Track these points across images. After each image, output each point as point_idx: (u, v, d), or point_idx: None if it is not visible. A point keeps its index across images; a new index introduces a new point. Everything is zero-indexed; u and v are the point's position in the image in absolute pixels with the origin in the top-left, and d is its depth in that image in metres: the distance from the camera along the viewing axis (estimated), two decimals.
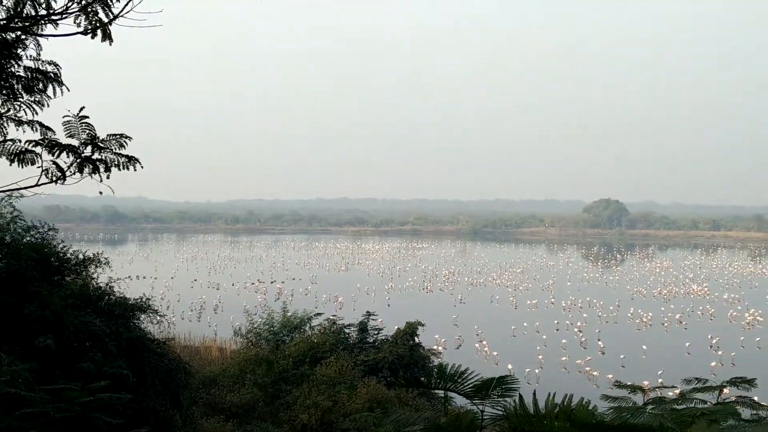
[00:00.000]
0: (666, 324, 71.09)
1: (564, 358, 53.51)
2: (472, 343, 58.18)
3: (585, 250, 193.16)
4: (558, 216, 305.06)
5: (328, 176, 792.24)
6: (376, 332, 33.63)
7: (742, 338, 63.07)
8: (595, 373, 49.21)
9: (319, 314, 36.35)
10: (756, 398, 8.76)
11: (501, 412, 5.81)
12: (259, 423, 21.21)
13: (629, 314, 75.50)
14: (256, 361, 27.29)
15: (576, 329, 66.75)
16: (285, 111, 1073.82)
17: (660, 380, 41.95)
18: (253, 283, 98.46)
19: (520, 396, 5.61)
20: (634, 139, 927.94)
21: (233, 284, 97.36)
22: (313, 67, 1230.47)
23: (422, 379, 6.64)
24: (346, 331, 32.94)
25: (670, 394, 9.13)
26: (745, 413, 7.92)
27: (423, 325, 34.13)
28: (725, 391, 10.45)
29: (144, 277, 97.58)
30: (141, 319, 19.17)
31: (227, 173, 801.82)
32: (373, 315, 34.42)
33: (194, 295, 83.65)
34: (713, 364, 51.73)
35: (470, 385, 6.09)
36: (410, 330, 32.91)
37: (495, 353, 54.38)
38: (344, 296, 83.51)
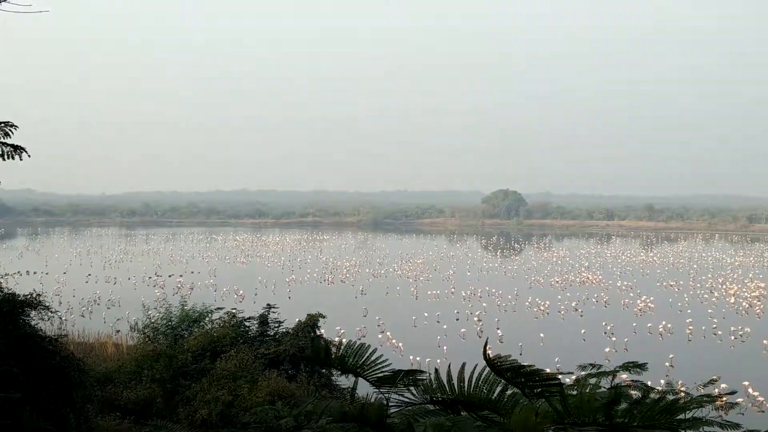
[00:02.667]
0: (563, 312, 72.78)
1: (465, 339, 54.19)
2: (375, 334, 58.31)
3: (484, 240, 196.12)
4: (457, 206, 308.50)
5: (226, 168, 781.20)
6: (276, 325, 33.23)
7: (634, 324, 65.18)
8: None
9: (219, 308, 35.73)
10: (649, 382, 8.94)
11: (408, 400, 5.79)
12: (157, 420, 20.71)
13: (527, 303, 77.01)
14: (153, 356, 26.61)
15: (476, 318, 67.75)
16: (183, 100, 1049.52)
17: (558, 366, 43.00)
18: (150, 277, 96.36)
19: (436, 370, 5.86)
20: (531, 130, 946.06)
21: (129, 278, 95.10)
22: (213, 55, 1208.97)
23: (333, 351, 6.50)
24: (247, 324, 32.45)
25: (567, 380, 9.24)
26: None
27: (324, 317, 33.95)
28: (623, 376, 10.68)
29: (34, 273, 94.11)
30: (31, 315, 18.39)
31: (123, 164, 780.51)
32: (274, 307, 34.02)
33: (88, 291, 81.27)
34: (607, 349, 53.29)
35: (379, 373, 6.05)
36: (311, 322, 32.67)
37: (400, 344, 54.66)
38: (245, 289, 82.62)
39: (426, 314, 68.64)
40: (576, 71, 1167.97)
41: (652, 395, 8.01)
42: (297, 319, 34.05)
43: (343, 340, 7.86)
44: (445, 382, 6.08)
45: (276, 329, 33.03)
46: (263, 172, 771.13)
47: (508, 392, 6.36)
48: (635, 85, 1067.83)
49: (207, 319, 34.84)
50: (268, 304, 34.31)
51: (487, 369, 6.14)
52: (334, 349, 6.51)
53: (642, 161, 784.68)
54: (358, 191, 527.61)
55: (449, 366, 6.10)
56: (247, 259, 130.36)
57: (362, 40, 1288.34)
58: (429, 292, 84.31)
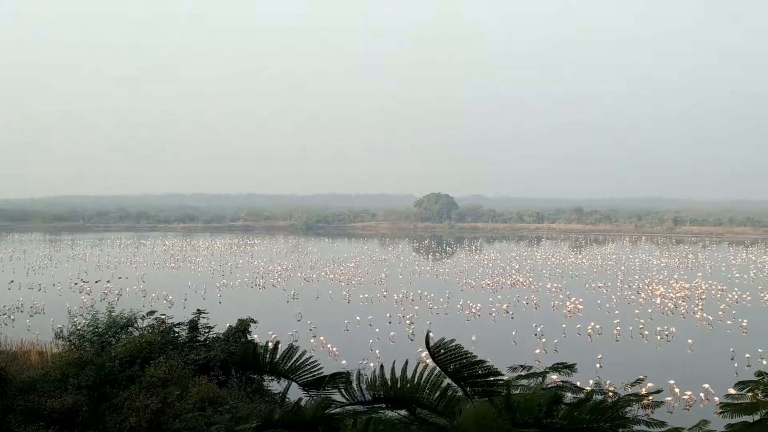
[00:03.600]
0: (494, 314, 73.38)
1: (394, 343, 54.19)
2: (307, 338, 57.94)
3: (416, 244, 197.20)
4: (390, 210, 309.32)
5: (154, 171, 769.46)
6: (207, 330, 32.78)
7: (564, 325, 66.11)
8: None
9: (151, 312, 35.02)
10: (578, 382, 8.95)
11: (346, 401, 5.74)
12: (83, 429, 20.17)
13: (459, 305, 77.46)
14: (79, 363, 25.92)
15: (408, 321, 67.84)
16: (109, 100, 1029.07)
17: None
18: (76, 283, 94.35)
19: (382, 366, 5.93)
20: (463, 133, 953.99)
21: (54, 285, 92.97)
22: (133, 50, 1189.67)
23: (260, 354, 6.34)
24: (176, 330, 31.92)
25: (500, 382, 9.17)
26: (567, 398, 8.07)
27: (256, 322, 33.63)
28: (554, 377, 10.68)
29: None
30: None
31: (48, 167, 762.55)
32: (204, 313, 33.53)
33: (11, 297, 79.26)
34: (537, 351, 53.94)
35: (310, 376, 5.96)
36: (242, 327, 32.33)
37: (335, 349, 54.35)
38: (174, 294, 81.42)
39: (358, 318, 68.47)
40: (503, 76, 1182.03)
41: (594, 398, 8.03)
42: (228, 325, 33.62)
43: (271, 344, 7.68)
44: (388, 380, 5.96)
45: (206, 335, 32.57)
46: (194, 176, 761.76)
47: (449, 393, 6.28)
48: (563, 88, 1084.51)
49: (135, 325, 34.12)
50: (198, 310, 33.82)
51: (429, 369, 6.06)
52: (261, 351, 6.35)
53: (571, 164, 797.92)
54: (291, 195, 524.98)
55: (393, 363, 5.98)
56: (177, 264, 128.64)
57: (256, 40, 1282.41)
58: (361, 296, 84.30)
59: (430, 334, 5.90)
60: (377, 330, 62.81)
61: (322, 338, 57.84)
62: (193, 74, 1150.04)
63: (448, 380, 6.58)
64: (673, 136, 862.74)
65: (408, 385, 6.05)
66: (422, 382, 6.24)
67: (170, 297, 79.65)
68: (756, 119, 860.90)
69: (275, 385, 32.11)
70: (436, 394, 6.03)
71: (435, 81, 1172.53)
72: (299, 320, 68.12)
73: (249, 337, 32.83)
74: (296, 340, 57.48)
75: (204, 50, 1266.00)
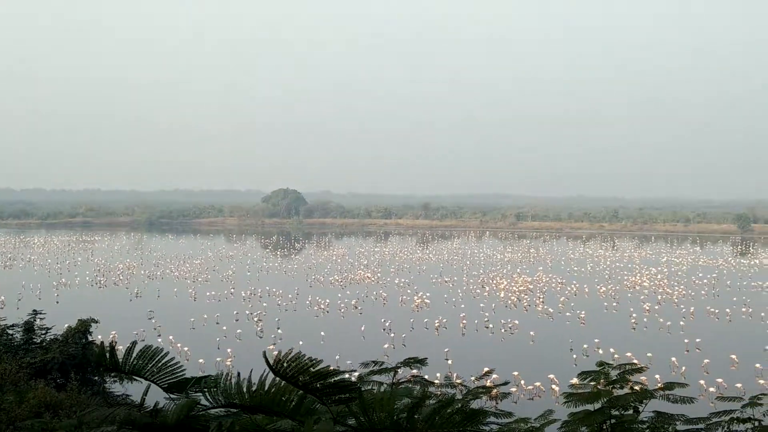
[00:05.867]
0: (342, 310, 73.63)
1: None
2: (153, 338, 56.42)
3: (264, 240, 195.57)
4: (237, 206, 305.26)
5: None
6: (43, 332, 31.29)
7: (412, 320, 67.01)
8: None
9: None
10: (426, 376, 8.91)
11: (209, 404, 5.48)
12: None
13: (308, 301, 77.33)
14: None
15: (256, 318, 67.18)
16: None
17: (337, 365, 43.23)
18: None
19: (239, 374, 5.74)
20: (310, 128, 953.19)
21: None
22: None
23: (108, 355, 5.94)
24: (10, 332, 30.32)
25: (351, 378, 9.03)
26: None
27: (97, 322, 32.39)
28: (401, 372, 10.57)
29: None
30: None
31: None
32: (41, 313, 31.98)
33: None
34: (386, 345, 54.44)
35: (172, 378, 5.65)
36: (83, 328, 31.02)
37: (186, 348, 53.04)
38: (7, 295, 77.27)
39: (205, 316, 67.31)
40: (352, 69, 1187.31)
41: (456, 401, 7.98)
42: (67, 325, 32.22)
43: (124, 345, 7.25)
44: (244, 388, 5.70)
45: (43, 336, 31.09)
46: (30, 171, 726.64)
47: (307, 401, 6.09)
48: (413, 87, 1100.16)
49: None
50: (34, 310, 32.28)
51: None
52: (106, 351, 5.94)
53: (419, 162, 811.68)
54: (134, 190, 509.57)
55: (251, 372, 5.74)
56: (10, 263, 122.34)
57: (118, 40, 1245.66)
58: (208, 293, 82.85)
59: (269, 349, 5.68)
60: (225, 328, 61.97)
61: (171, 337, 56.40)
62: (31, 67, 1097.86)
63: None
64: (514, 137, 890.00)
65: (266, 394, 5.78)
66: (279, 390, 5.99)
67: (2, 297, 75.57)
68: (594, 120, 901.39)
69: (117, 387, 31.02)
70: (293, 404, 5.79)
71: (278, 73, 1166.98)
72: (150, 318, 66.35)
73: (90, 338, 31.54)
74: (142, 340, 55.79)
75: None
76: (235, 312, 70.19)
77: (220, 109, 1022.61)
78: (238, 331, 61.13)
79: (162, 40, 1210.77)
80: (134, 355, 5.98)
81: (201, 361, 47.79)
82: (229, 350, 52.80)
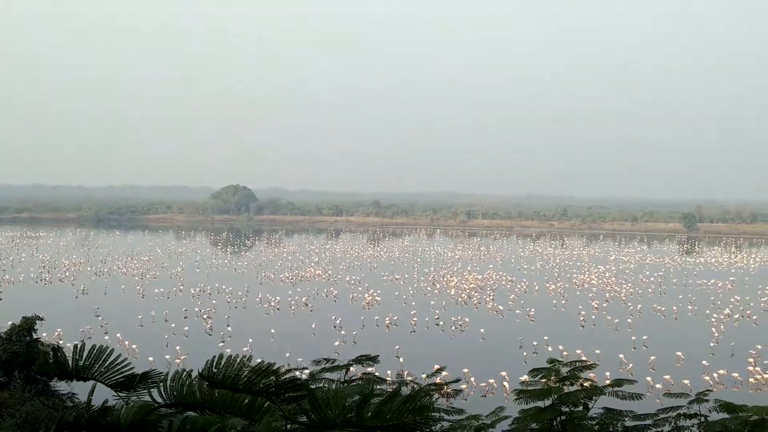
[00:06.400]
0: (293, 307, 73.27)
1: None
2: (100, 335, 55.60)
3: (214, 237, 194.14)
4: (186, 202, 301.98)
5: None
6: None
7: (362, 317, 66.98)
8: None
9: None
10: (378, 374, 8.81)
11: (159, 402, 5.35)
12: None
13: (258, 299, 76.89)
14: None
15: (205, 316, 66.63)
16: None
17: (288, 363, 42.96)
18: None
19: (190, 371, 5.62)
20: (262, 127, 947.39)
21: None
22: None
23: (51, 362, 5.72)
24: None
25: (303, 376, 8.96)
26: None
27: (42, 319, 31.77)
28: (353, 369, 10.49)
29: None
30: None
31: None
32: None
33: None
34: (337, 343, 54.37)
35: (120, 376, 5.50)
36: (27, 325, 30.39)
37: (134, 346, 52.24)
38: None
39: (153, 313, 66.57)
40: (301, 63, 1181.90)
41: (401, 390, 7.91)
42: (10, 323, 31.53)
43: (62, 344, 7.03)
44: (196, 386, 5.58)
45: None
46: None
47: (259, 400, 5.95)
48: (348, 82, 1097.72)
49: None
50: None
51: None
52: (49, 358, 5.72)
53: (370, 159, 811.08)
54: (81, 186, 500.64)
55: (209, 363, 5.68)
56: None
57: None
58: (156, 290, 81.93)
59: (219, 346, 5.58)
60: (173, 325, 61.29)
61: (118, 335, 55.56)
62: None
63: None
64: (462, 136, 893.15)
65: (218, 393, 5.64)
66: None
67: None
68: (541, 119, 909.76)
69: (63, 386, 30.41)
70: (245, 402, 5.65)
71: (226, 70, 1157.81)
72: (98, 316, 65.36)
73: (35, 336, 30.92)
74: (89, 337, 55.11)
75: None
76: (184, 309, 69.48)
77: (168, 104, 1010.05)
78: (186, 328, 60.53)
79: (102, 30, 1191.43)
80: (82, 356, 5.79)
81: (151, 359, 47.11)
82: (177, 348, 52.23)
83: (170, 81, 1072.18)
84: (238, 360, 5.64)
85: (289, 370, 6.66)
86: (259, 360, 5.75)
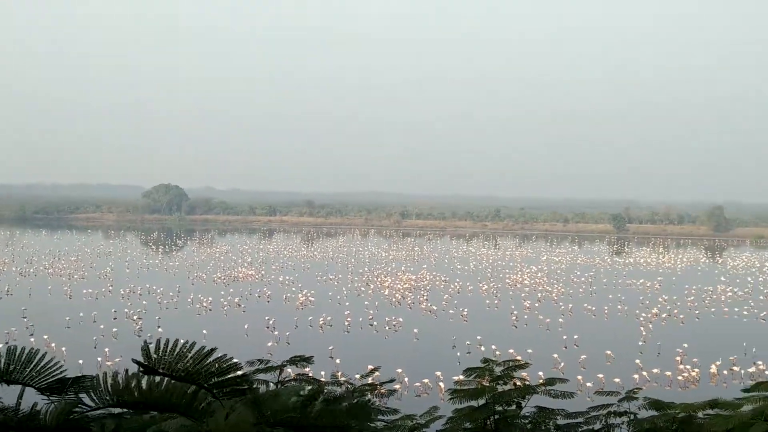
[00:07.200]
0: (226, 308, 72.61)
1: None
2: (25, 337, 54.31)
3: (144, 236, 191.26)
4: (116, 201, 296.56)
5: None
6: None
7: (296, 318, 66.71)
8: None
9: None
10: (311, 374, 8.71)
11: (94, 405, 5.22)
12: None
13: (189, 299, 76.00)
14: None
15: (135, 317, 65.62)
16: None
17: None
18: None
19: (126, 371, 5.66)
20: (198, 127, 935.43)
21: None
22: None
23: None
24: None
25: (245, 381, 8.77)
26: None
27: None
28: (289, 370, 10.36)
29: None
30: None
31: None
32: None
33: None
34: (270, 344, 54.05)
35: (51, 379, 5.33)
36: None
37: (63, 348, 50.98)
38: None
39: (81, 314, 65.31)
40: (248, 60, 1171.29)
41: (336, 393, 7.84)
42: None
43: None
44: (133, 386, 5.41)
45: None
46: None
47: (200, 395, 5.82)
48: (290, 79, 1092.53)
49: None
50: None
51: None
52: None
53: (304, 158, 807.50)
54: (3, 184, 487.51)
55: (139, 369, 5.48)
56: None
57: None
58: (84, 291, 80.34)
59: (148, 344, 5.40)
60: (102, 327, 60.25)
61: (45, 337, 54.32)
62: None
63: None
64: (392, 136, 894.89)
65: (157, 391, 5.48)
66: (170, 386, 5.72)
67: None
68: (472, 120, 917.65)
69: None
70: (185, 399, 5.51)
71: (156, 66, 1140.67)
72: (25, 317, 63.89)
73: None
74: (15, 340, 53.72)
75: None
76: (113, 310, 68.28)
77: (96, 99, 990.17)
78: (115, 329, 59.51)
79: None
80: (13, 360, 5.58)
81: (81, 362, 46.20)
82: (106, 350, 51.27)
83: (98, 75, 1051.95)
84: (180, 345, 5.54)
85: (222, 357, 6.53)
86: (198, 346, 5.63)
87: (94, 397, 5.35)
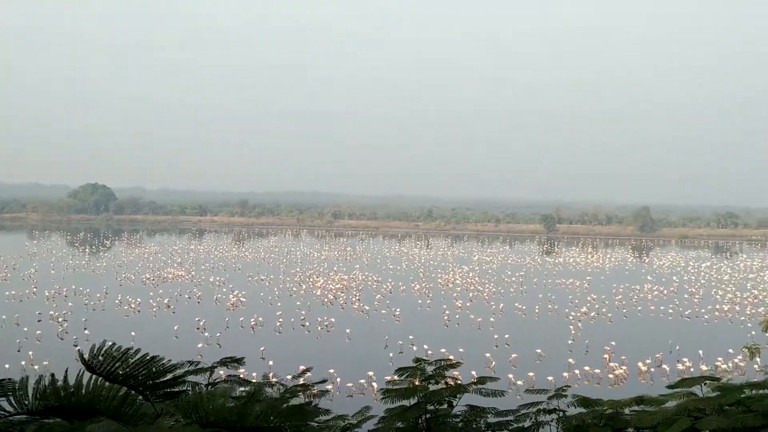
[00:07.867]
0: (155, 309, 71.60)
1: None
2: None
3: (70, 237, 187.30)
4: (41, 201, 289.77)
5: None
6: None
7: (227, 319, 66.04)
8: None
9: None
10: (243, 375, 8.60)
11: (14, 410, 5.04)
12: None
13: (117, 301, 74.75)
14: None
15: (60, 319, 64.27)
16: None
17: None
18: None
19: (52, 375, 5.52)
20: (124, 127, 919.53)
21: None
22: None
23: None
24: None
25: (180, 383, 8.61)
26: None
27: None
28: (221, 372, 10.19)
29: None
30: None
31: None
32: None
33: None
34: (200, 345, 53.42)
35: None
36: None
37: None
38: None
39: (4, 317, 63.65)
40: (184, 56, 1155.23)
41: (268, 393, 7.72)
42: None
43: None
44: (61, 388, 5.23)
45: None
46: None
47: (130, 398, 5.64)
48: (219, 75, 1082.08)
49: None
50: None
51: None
52: None
53: (237, 157, 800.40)
54: None
55: (66, 372, 5.29)
56: None
57: None
58: (7, 293, 78.47)
59: (76, 350, 5.26)
60: (26, 329, 58.81)
61: None
62: None
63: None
64: (321, 134, 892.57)
65: (84, 393, 5.29)
66: (99, 389, 5.52)
67: None
68: (411, 120, 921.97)
69: None
70: (114, 402, 5.32)
71: (87, 67, 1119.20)
72: None
73: None
74: None
75: None
76: (37, 312, 66.76)
77: (19, 94, 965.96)
78: (39, 332, 58.17)
79: None
80: None
81: (7, 366, 45.00)
82: (30, 353, 50.07)
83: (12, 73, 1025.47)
84: (123, 349, 5.41)
85: (160, 360, 6.35)
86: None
87: (14, 402, 5.15)
